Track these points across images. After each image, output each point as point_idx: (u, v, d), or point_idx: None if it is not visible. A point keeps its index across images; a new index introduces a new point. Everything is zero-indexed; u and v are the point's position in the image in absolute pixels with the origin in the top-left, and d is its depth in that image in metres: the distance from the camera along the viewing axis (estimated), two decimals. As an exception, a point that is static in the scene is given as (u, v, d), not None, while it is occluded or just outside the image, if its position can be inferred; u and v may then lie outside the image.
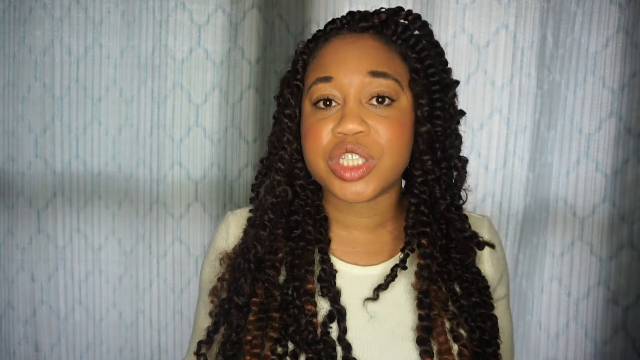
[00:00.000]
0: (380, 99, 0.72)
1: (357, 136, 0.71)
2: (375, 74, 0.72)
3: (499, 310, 0.80)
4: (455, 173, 0.80)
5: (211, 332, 0.77)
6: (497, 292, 0.82)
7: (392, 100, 0.72)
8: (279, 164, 0.78)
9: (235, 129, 1.46)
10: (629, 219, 1.34)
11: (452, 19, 1.36)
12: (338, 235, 0.81)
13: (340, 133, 0.71)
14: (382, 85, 0.72)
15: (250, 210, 0.84)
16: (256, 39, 1.44)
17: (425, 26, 0.78)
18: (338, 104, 0.73)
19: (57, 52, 1.50)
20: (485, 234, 0.83)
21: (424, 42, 0.77)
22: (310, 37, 0.80)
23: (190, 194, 1.50)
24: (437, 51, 0.78)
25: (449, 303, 0.75)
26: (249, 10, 1.43)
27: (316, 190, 0.82)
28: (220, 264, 0.82)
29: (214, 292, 0.81)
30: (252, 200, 0.85)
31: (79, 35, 1.49)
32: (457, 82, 0.79)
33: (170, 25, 1.45)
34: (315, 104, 0.74)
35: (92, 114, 1.51)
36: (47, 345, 1.58)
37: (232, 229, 0.84)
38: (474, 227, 0.82)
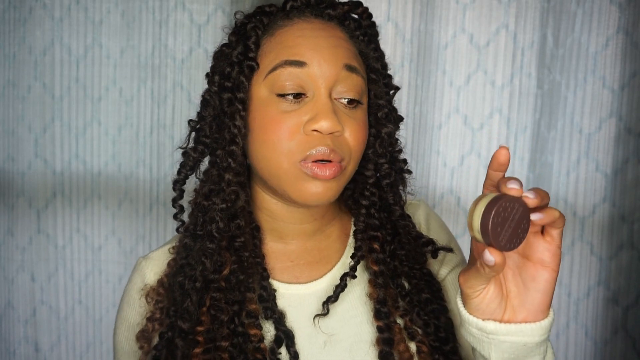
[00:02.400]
0: (349, 100, 0.66)
1: (331, 136, 0.64)
2: (350, 68, 0.65)
3: (454, 284, 0.75)
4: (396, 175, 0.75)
5: None
6: (447, 265, 0.76)
7: (360, 102, 0.67)
8: (230, 160, 0.66)
9: (235, 129, 1.46)
10: (629, 219, 1.34)
11: (452, 19, 1.36)
12: (272, 249, 0.72)
13: (314, 131, 0.63)
14: (354, 82, 0.66)
15: (174, 216, 0.74)
16: (256, 39, 1.44)
17: (374, 26, 0.72)
18: (305, 95, 0.65)
19: (57, 52, 1.50)
20: (421, 215, 0.78)
21: (375, 42, 0.72)
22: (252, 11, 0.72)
23: (190, 194, 1.49)
24: (384, 55, 0.73)
25: (399, 299, 0.69)
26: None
27: (249, 199, 0.71)
28: (147, 301, 0.71)
29: (143, 335, 0.69)
30: (175, 201, 0.73)
31: (79, 35, 1.49)
32: (398, 88, 0.75)
33: (170, 25, 1.45)
34: (281, 93, 0.64)
35: (92, 114, 1.51)
36: (47, 345, 1.58)
37: (149, 276, 0.73)
38: (411, 213, 0.77)
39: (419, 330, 0.68)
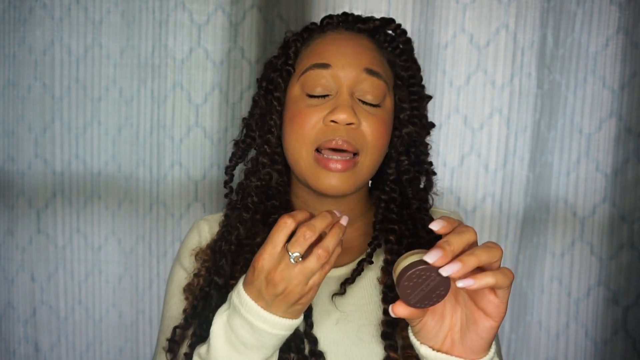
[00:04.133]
0: (368, 102, 0.75)
1: (347, 128, 0.73)
2: (370, 71, 0.75)
3: None
4: (424, 178, 0.84)
5: (189, 317, 0.76)
6: None
7: (379, 105, 0.76)
8: (265, 147, 0.79)
9: (235, 129, 1.46)
10: (629, 219, 1.34)
11: (452, 19, 1.36)
12: None
13: (332, 122, 0.72)
14: (374, 84, 0.75)
15: (225, 195, 0.85)
16: (256, 39, 1.44)
17: (409, 42, 0.82)
18: (330, 94, 0.75)
19: (57, 52, 1.50)
20: None
21: (407, 55, 0.81)
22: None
23: (190, 194, 1.50)
24: (416, 67, 0.82)
25: None
26: (249, 10, 1.43)
27: (285, 184, 0.83)
28: (196, 259, 0.82)
29: (189, 288, 0.80)
30: (226, 183, 0.85)
31: (79, 35, 1.49)
32: (430, 97, 0.84)
33: (170, 25, 1.45)
34: (308, 92, 0.75)
35: (92, 114, 1.51)
36: (47, 345, 1.58)
37: (205, 231, 0.84)
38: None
39: None
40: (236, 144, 0.85)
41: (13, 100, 1.52)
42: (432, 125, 0.85)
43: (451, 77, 1.37)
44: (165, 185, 1.50)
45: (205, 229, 0.85)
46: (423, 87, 0.83)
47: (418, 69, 0.83)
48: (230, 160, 0.85)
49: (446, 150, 1.39)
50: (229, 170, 0.85)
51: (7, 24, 1.50)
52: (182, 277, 0.82)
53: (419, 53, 1.37)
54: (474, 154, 1.38)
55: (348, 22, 0.80)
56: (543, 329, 1.40)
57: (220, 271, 0.77)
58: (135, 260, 1.53)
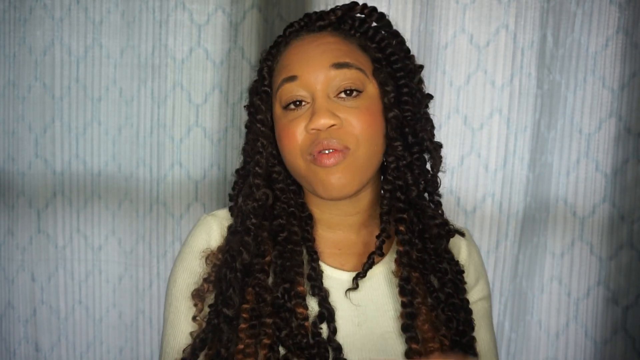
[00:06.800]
0: (348, 92, 0.73)
1: (330, 130, 0.71)
2: (338, 65, 0.73)
3: (476, 315, 0.80)
4: (428, 156, 0.81)
5: (197, 350, 0.72)
6: (473, 295, 0.82)
7: (359, 91, 0.73)
8: (256, 168, 0.78)
9: (235, 129, 1.46)
10: (629, 219, 1.34)
11: (452, 19, 1.36)
12: (322, 236, 0.80)
13: (313, 129, 0.72)
14: (346, 76, 0.73)
15: (229, 227, 0.82)
16: (256, 39, 1.44)
17: (382, 17, 0.79)
18: (307, 102, 0.74)
19: (57, 52, 1.50)
20: (462, 247, 0.84)
21: (382, 32, 0.78)
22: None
23: (190, 194, 1.50)
24: (397, 40, 0.79)
25: (427, 296, 0.76)
26: (249, 10, 1.43)
27: (297, 191, 0.81)
28: (206, 263, 0.78)
29: (198, 294, 0.76)
30: (231, 209, 0.83)
31: (79, 35, 1.49)
32: (421, 67, 0.81)
33: (170, 25, 1.45)
34: (286, 106, 0.75)
35: (92, 114, 1.51)
36: (47, 345, 1.58)
37: (215, 231, 0.81)
38: (452, 241, 0.82)
39: (443, 327, 0.74)
40: (237, 172, 0.85)
41: (13, 100, 1.52)
42: (430, 97, 0.82)
43: (451, 77, 1.37)
44: (165, 185, 1.50)
45: (215, 228, 0.81)
46: (411, 58, 0.79)
47: (401, 41, 0.79)
48: (233, 188, 0.84)
49: (446, 150, 1.38)
50: (233, 198, 0.84)
51: (7, 24, 1.51)
52: (187, 280, 0.78)
53: (419, 53, 1.38)
54: (474, 154, 1.38)
55: (310, 24, 0.78)
56: (543, 328, 1.40)
57: (229, 302, 0.73)
58: (135, 260, 1.53)
